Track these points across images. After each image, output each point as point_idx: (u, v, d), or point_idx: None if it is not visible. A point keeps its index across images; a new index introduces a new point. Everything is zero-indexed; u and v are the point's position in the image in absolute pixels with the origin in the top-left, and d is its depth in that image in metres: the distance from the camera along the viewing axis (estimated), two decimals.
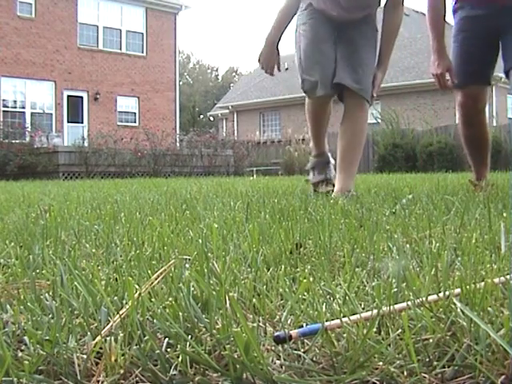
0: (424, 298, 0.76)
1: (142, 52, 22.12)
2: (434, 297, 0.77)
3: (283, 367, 0.63)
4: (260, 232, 1.42)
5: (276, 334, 0.66)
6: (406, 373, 0.61)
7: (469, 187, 3.28)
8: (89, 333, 0.72)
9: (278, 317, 0.80)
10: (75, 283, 0.89)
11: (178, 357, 0.64)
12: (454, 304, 0.73)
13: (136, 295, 0.77)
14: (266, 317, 0.79)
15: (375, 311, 0.70)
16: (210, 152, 16.33)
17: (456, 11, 3.29)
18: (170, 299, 0.79)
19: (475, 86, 3.23)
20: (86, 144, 15.57)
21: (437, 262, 1.01)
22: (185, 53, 55.83)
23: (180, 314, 0.75)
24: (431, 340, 0.66)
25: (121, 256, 1.23)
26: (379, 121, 18.05)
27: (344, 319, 0.69)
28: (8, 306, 0.85)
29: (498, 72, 3.29)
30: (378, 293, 0.81)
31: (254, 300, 0.83)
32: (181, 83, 37.68)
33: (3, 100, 18.79)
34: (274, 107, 25.88)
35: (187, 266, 1.10)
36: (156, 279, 0.91)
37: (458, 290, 0.79)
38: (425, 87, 20.33)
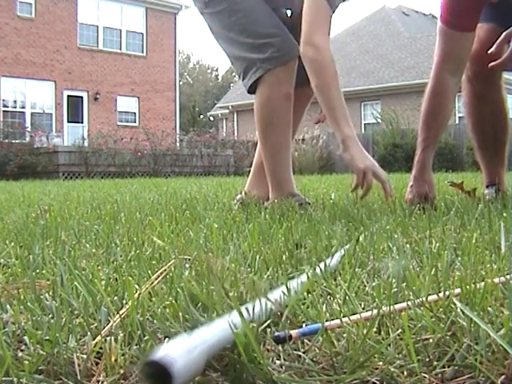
0: (424, 298, 0.76)
1: (142, 52, 22.13)
2: (434, 297, 0.77)
3: (283, 367, 0.63)
4: (260, 232, 1.42)
5: (276, 334, 0.66)
6: (406, 373, 0.61)
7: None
8: (89, 333, 0.72)
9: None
10: (75, 283, 0.89)
11: None
12: (454, 304, 0.73)
13: (136, 295, 0.77)
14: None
15: (375, 311, 0.70)
16: (210, 152, 16.33)
17: None
18: (170, 299, 0.79)
19: (498, 26, 2.25)
20: (86, 144, 15.58)
21: (437, 262, 1.00)
22: (185, 53, 55.94)
23: (180, 314, 0.75)
24: (431, 340, 0.66)
25: (121, 256, 1.23)
26: (379, 121, 18.06)
27: (344, 319, 0.69)
28: (8, 306, 0.85)
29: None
30: (378, 293, 0.81)
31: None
32: (181, 83, 37.70)
33: (3, 100, 18.81)
34: None
35: (187, 265, 1.10)
36: (156, 279, 0.91)
37: (458, 290, 0.79)
38: (425, 87, 20.28)
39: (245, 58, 2.34)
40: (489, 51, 2.06)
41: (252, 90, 2.36)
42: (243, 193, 2.53)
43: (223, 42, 2.46)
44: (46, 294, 0.89)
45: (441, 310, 0.75)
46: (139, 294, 0.78)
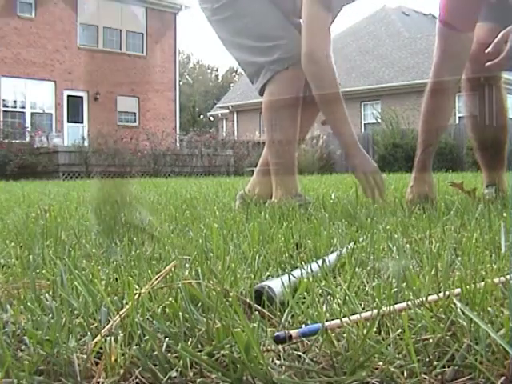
0: (424, 298, 0.76)
1: (142, 52, 22.12)
2: (434, 297, 0.77)
3: (283, 367, 0.63)
4: (260, 232, 1.42)
5: (276, 333, 0.65)
6: (406, 373, 0.61)
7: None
8: (89, 333, 0.72)
9: (277, 317, 0.80)
10: (75, 283, 0.89)
11: (178, 357, 0.64)
12: (454, 304, 0.73)
13: (136, 295, 0.77)
14: (266, 317, 0.79)
15: (375, 311, 0.70)
16: (210, 152, 16.32)
17: None
18: (170, 299, 0.79)
19: (497, 25, 2.22)
20: (86, 144, 15.57)
21: (437, 262, 1.00)
22: (185, 53, 55.89)
23: (180, 314, 0.74)
24: (431, 340, 0.66)
25: (121, 256, 1.23)
26: (379, 121, 18.06)
27: (344, 319, 0.69)
28: (8, 306, 0.85)
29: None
30: (378, 293, 0.81)
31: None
32: (181, 83, 37.66)
33: (3, 100, 18.79)
34: None
35: (187, 265, 1.10)
36: (156, 280, 0.91)
37: (458, 290, 0.79)
38: (425, 87, 20.23)
39: (254, 63, 2.37)
40: (486, 51, 2.06)
41: (263, 92, 2.38)
42: (244, 191, 2.53)
43: (233, 48, 2.48)
44: (46, 294, 0.89)
45: (441, 309, 0.75)
46: (139, 294, 0.78)
